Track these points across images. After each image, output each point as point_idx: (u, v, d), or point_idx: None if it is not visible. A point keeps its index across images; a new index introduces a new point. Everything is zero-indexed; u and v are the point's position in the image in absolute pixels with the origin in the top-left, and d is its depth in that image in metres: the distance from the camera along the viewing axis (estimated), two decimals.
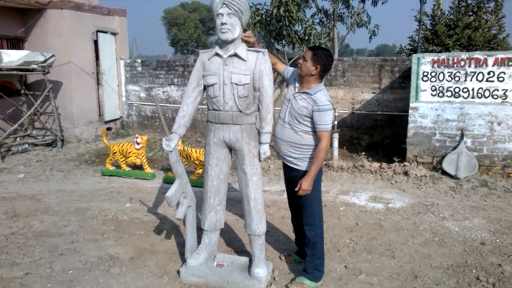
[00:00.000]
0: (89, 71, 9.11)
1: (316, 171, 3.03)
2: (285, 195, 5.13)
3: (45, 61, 7.95)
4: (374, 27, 14.48)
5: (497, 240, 4.02)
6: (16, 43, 8.73)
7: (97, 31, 9.19)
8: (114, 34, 9.68)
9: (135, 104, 10.15)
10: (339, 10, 14.61)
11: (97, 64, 9.35)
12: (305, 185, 3.01)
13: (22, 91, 8.38)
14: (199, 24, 43.47)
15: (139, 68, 9.94)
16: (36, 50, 8.16)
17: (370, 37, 14.60)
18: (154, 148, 8.29)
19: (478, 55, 5.88)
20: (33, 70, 7.89)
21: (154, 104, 9.91)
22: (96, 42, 9.23)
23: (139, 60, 10.10)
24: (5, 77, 8.02)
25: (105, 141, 6.54)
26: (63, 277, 3.33)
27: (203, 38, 44.56)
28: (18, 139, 8.25)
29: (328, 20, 14.76)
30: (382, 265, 3.54)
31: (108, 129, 8.34)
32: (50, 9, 8.49)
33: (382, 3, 14.35)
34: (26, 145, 8.13)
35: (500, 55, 5.79)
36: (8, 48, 8.36)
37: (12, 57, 7.62)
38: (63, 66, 8.61)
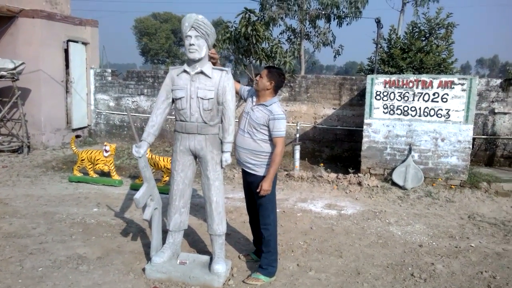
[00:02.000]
0: (58, 79, 9.21)
1: (274, 173, 3.42)
2: None
3: (14, 68, 8.03)
4: (339, 47, 15.27)
5: (434, 243, 4.51)
6: None
7: (68, 41, 9.33)
8: (85, 43, 9.84)
9: (104, 113, 10.28)
10: (306, 29, 15.30)
11: (67, 73, 9.47)
12: (265, 185, 3.39)
13: None
14: (170, 35, 43.58)
15: (109, 78, 10.11)
16: (5, 57, 8.22)
17: (335, 56, 15.35)
18: (121, 156, 8.46)
19: (424, 77, 6.50)
20: (1, 77, 7.95)
21: (124, 113, 10.09)
22: (66, 51, 9.36)
23: (109, 70, 10.28)
24: None
25: (74, 148, 6.70)
26: (33, 274, 3.52)
27: (174, 49, 44.65)
28: None
29: (296, 38, 15.40)
30: (330, 264, 3.94)
31: (77, 136, 8.45)
32: (21, 17, 8.58)
33: (347, 24, 15.11)
34: None
35: (444, 78, 6.43)
36: None
37: None
38: (32, 74, 8.68)
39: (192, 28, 3.22)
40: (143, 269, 3.59)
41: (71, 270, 3.61)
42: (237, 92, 3.73)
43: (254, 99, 3.54)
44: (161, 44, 42.51)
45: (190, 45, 3.23)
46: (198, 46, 3.24)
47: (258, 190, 3.44)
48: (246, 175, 3.63)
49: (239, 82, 4.00)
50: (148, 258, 3.76)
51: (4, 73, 7.90)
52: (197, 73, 3.31)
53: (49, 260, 3.78)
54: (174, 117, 3.53)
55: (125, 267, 3.71)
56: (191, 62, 3.32)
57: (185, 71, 3.34)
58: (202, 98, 3.29)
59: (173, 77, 3.41)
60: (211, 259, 3.61)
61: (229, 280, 3.52)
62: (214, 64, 3.46)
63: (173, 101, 3.44)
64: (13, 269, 3.60)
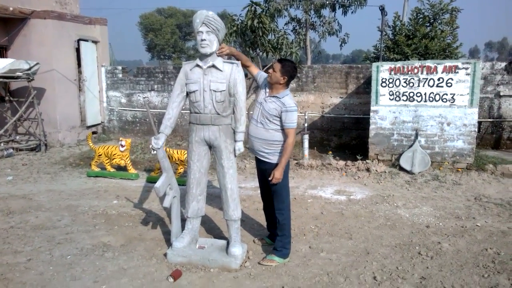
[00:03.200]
0: (71, 78, 9.48)
1: (285, 162, 3.62)
2: (259, 191, 5.72)
3: (29, 69, 8.29)
4: (344, 35, 15.31)
5: (440, 224, 4.69)
6: None
7: (79, 40, 9.57)
8: (95, 42, 10.08)
9: (116, 110, 10.54)
10: (311, 19, 15.38)
11: (79, 71, 9.73)
12: (277, 174, 3.58)
13: (7, 98, 8.67)
14: (175, 30, 43.74)
15: (120, 75, 10.35)
16: (19, 58, 8.48)
17: (341, 45, 15.42)
18: (135, 151, 8.70)
19: (429, 63, 6.61)
20: (18, 77, 8.22)
21: (136, 109, 10.34)
22: (78, 50, 9.60)
23: (120, 67, 10.52)
24: None
25: (91, 144, 6.96)
26: (62, 261, 3.78)
27: (180, 44, 44.83)
28: (1, 144, 8.52)
29: (301, 28, 15.49)
30: (340, 245, 4.13)
31: (94, 133, 8.73)
32: (33, 19, 8.83)
33: (352, 12, 15.14)
34: (11, 150, 8.42)
35: (448, 63, 6.54)
36: None
37: None
38: (46, 74, 8.95)
39: (203, 24, 3.40)
40: (165, 254, 3.82)
41: (98, 257, 3.86)
42: (253, 77, 3.91)
43: (267, 90, 3.71)
44: (166, 40, 42.69)
45: (202, 40, 3.42)
46: (209, 41, 3.43)
47: (270, 178, 3.63)
48: (259, 163, 3.83)
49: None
50: (168, 244, 3.99)
51: (20, 73, 8.17)
52: (209, 66, 3.50)
53: (76, 249, 4.03)
54: (186, 112, 3.72)
55: (148, 253, 3.94)
56: (203, 56, 3.50)
57: (197, 65, 3.53)
58: (215, 91, 3.48)
59: (186, 71, 3.60)
60: (227, 243, 3.82)
61: (245, 262, 3.74)
62: (232, 55, 3.63)
63: (187, 94, 3.64)
64: (44, 257, 3.85)
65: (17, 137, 9.01)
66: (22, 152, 8.67)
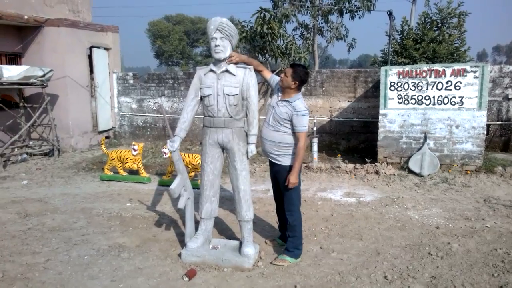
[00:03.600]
0: (83, 85, 9.66)
1: (299, 166, 3.71)
2: (269, 193, 5.82)
3: (43, 76, 8.48)
4: (352, 40, 15.41)
5: (450, 225, 4.73)
6: (13, 59, 9.24)
7: (91, 47, 9.77)
8: (107, 49, 10.27)
9: (127, 115, 10.71)
10: (319, 24, 15.50)
11: (91, 78, 9.91)
12: (292, 179, 3.67)
13: (21, 104, 8.87)
14: (183, 36, 44.15)
15: (131, 81, 10.53)
16: (33, 65, 8.67)
17: (348, 50, 15.51)
18: (146, 155, 8.83)
19: (437, 66, 6.68)
20: (32, 84, 8.41)
21: (146, 115, 10.50)
22: (90, 57, 9.79)
23: (131, 73, 10.69)
24: (5, 90, 8.53)
25: (104, 148, 7.10)
26: (80, 261, 3.89)
27: (188, 50, 45.23)
28: (16, 149, 8.70)
29: (309, 33, 15.61)
30: (351, 246, 4.20)
31: (107, 137, 8.89)
32: (47, 27, 9.04)
33: (359, 17, 15.25)
34: (25, 155, 8.60)
35: (456, 66, 6.60)
36: (6, 63, 8.87)
37: (12, 72, 8.12)
38: (59, 80, 9.14)
39: (217, 31, 3.52)
40: (179, 254, 3.92)
41: (114, 257, 3.97)
42: (267, 81, 4.01)
43: (279, 94, 3.81)
44: (174, 46, 43.10)
45: (216, 46, 3.53)
46: (223, 46, 3.54)
47: (286, 184, 3.71)
48: (272, 165, 3.92)
49: (273, 72, 4.24)
50: (182, 245, 4.09)
51: (34, 80, 8.36)
52: (223, 71, 3.61)
53: (93, 249, 4.14)
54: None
55: (162, 253, 4.04)
56: (217, 61, 3.61)
57: (211, 70, 3.64)
58: (228, 95, 3.59)
59: (200, 76, 3.71)
60: (240, 244, 3.91)
61: (258, 262, 3.82)
62: (243, 62, 3.73)
63: (201, 98, 3.74)
64: (62, 258, 3.97)
65: (31, 142, 9.20)
66: (35, 157, 8.84)
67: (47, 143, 8.98)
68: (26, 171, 7.74)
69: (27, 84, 8.37)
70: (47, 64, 8.96)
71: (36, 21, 8.86)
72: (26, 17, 8.61)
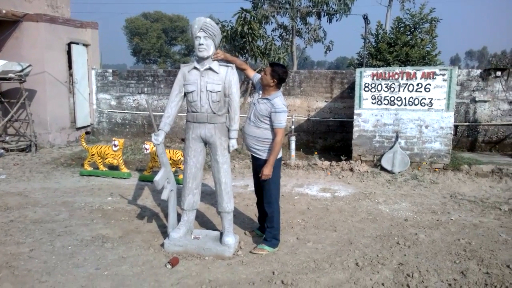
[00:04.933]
0: (62, 80, 9.62)
1: (273, 160, 3.91)
2: (248, 188, 6.02)
3: (22, 71, 8.43)
4: (329, 42, 15.77)
5: (417, 218, 5.04)
6: None
7: (70, 43, 9.73)
8: (86, 45, 10.24)
9: (106, 112, 10.70)
10: (297, 26, 15.80)
11: (70, 74, 9.87)
12: (266, 171, 3.88)
13: None
14: (161, 34, 43.82)
15: (110, 78, 10.53)
16: (11, 60, 8.60)
17: (325, 52, 15.86)
18: (126, 152, 8.88)
19: (409, 69, 7.03)
20: (10, 79, 8.35)
21: (125, 112, 10.52)
22: (69, 53, 9.75)
23: (110, 70, 10.69)
24: None
25: (84, 143, 7.14)
26: (64, 251, 3.98)
27: (166, 48, 44.92)
28: None
29: (288, 35, 15.89)
30: (326, 236, 4.44)
31: (87, 133, 8.90)
32: (25, 21, 8.97)
33: (337, 20, 15.62)
34: (2, 150, 8.51)
35: (426, 69, 6.96)
36: None
37: None
38: (38, 76, 9.08)
39: (201, 30, 3.69)
40: (162, 244, 4.07)
41: (98, 247, 4.08)
42: (250, 78, 4.22)
43: (260, 92, 4.02)
44: (152, 44, 42.72)
45: (200, 44, 3.70)
46: (207, 45, 3.72)
47: (260, 175, 3.92)
48: (253, 159, 4.13)
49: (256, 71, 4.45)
50: (164, 236, 4.24)
51: (12, 75, 8.30)
52: (206, 69, 3.78)
53: (76, 240, 4.24)
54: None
55: (145, 243, 4.18)
56: (200, 59, 3.79)
57: (195, 68, 3.82)
58: (211, 91, 3.77)
59: (184, 73, 3.88)
60: (221, 234, 4.09)
61: (238, 251, 4.01)
62: (226, 60, 3.92)
63: (185, 94, 3.91)
64: (46, 248, 4.05)
65: (7, 138, 9.10)
66: (12, 153, 8.76)
67: (24, 138, 8.91)
68: (3, 166, 7.67)
69: (4, 79, 8.31)
70: (26, 59, 8.89)
71: (14, 16, 8.79)
72: (4, 11, 8.53)
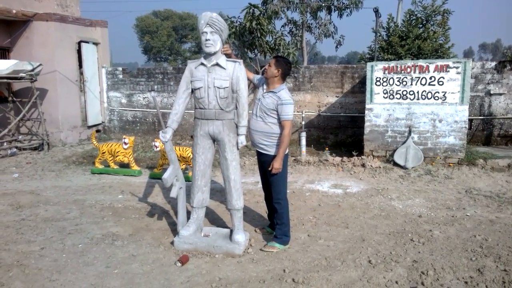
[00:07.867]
0: (72, 79, 9.68)
1: (283, 153, 3.85)
2: (258, 185, 5.96)
3: (33, 70, 8.49)
4: (340, 37, 15.56)
5: (432, 214, 4.93)
6: (2, 53, 9.22)
7: (80, 41, 9.77)
8: (96, 44, 10.28)
9: (117, 110, 10.74)
10: (307, 21, 15.63)
11: (81, 72, 9.93)
12: (276, 164, 3.82)
13: (10, 98, 8.86)
14: (172, 32, 43.94)
15: (120, 76, 10.56)
16: (22, 60, 8.67)
17: (336, 47, 15.67)
18: (136, 150, 8.91)
19: (421, 62, 6.88)
20: (21, 78, 8.41)
21: (135, 109, 10.55)
22: (79, 52, 9.80)
23: (120, 68, 10.72)
24: None
25: (95, 142, 7.16)
26: (74, 249, 3.99)
27: (176, 46, 45.04)
28: (5, 143, 8.69)
29: (298, 30, 15.74)
30: (337, 233, 4.37)
31: (98, 131, 8.94)
32: (36, 21, 9.03)
33: (347, 15, 15.39)
34: (15, 149, 8.60)
35: (440, 62, 6.81)
36: None
37: (0, 66, 8.12)
38: (49, 75, 9.15)
39: (208, 25, 3.63)
40: (172, 242, 4.04)
41: (108, 245, 4.07)
42: (250, 80, 4.15)
43: (265, 87, 3.96)
44: (162, 42, 42.87)
45: (206, 40, 3.65)
46: (213, 41, 3.66)
47: (270, 169, 3.86)
48: (260, 156, 4.07)
49: (255, 70, 4.42)
50: (174, 234, 4.21)
51: (23, 74, 8.36)
52: (213, 65, 3.73)
53: (87, 238, 4.24)
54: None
55: (155, 241, 4.16)
56: (207, 55, 3.73)
57: (202, 64, 3.76)
58: (219, 87, 3.71)
59: (191, 69, 3.83)
60: (231, 232, 4.05)
61: (248, 248, 3.96)
62: (229, 56, 3.88)
63: (193, 91, 3.86)
64: (56, 246, 4.06)
65: (20, 137, 9.19)
66: (25, 151, 8.85)
67: (37, 137, 8.99)
68: (16, 165, 7.75)
69: (16, 78, 8.37)
70: (36, 58, 8.96)
71: (25, 16, 8.85)
72: (14, 11, 8.59)
